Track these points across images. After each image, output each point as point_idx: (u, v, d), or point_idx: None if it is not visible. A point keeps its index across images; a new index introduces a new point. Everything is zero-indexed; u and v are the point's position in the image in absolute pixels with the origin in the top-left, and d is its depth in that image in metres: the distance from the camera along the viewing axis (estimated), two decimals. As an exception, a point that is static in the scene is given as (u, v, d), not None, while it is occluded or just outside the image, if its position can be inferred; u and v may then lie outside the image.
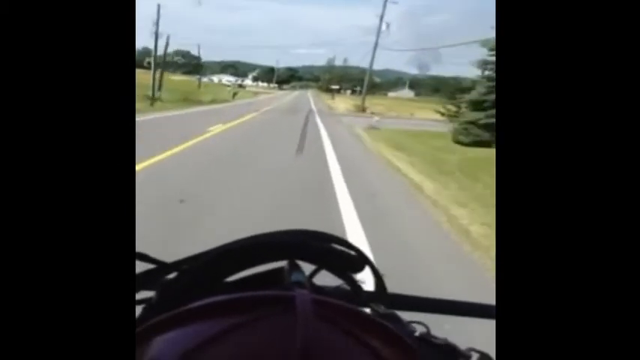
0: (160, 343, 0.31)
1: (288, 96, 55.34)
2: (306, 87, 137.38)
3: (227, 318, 0.31)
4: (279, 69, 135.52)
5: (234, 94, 41.41)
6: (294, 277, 0.44)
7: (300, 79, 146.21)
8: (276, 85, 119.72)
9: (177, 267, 0.46)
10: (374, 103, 39.61)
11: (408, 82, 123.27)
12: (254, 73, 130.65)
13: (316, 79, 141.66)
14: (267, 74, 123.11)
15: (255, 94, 56.96)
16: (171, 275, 0.46)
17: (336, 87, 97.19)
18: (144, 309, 0.43)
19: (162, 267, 0.47)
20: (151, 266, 0.47)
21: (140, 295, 0.45)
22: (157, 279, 0.46)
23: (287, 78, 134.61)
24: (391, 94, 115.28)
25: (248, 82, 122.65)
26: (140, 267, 0.45)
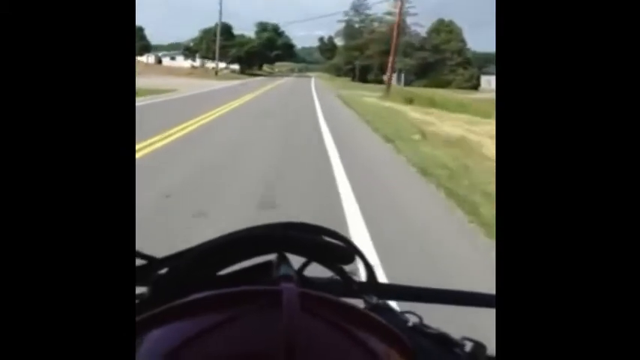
0: (147, 340, 0.33)
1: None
2: (305, 70, 71.20)
3: (214, 314, 0.33)
4: (226, 31, 58.97)
5: None
6: (282, 270, 0.46)
7: (290, 53, 77.86)
8: (211, 66, 51.66)
9: (168, 262, 0.50)
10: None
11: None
12: (189, 42, 64.51)
13: (329, 54, 73.88)
14: (211, 42, 54.35)
15: None
16: (163, 271, 0.48)
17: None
18: (137, 305, 0.45)
19: (153, 262, 0.50)
20: (142, 262, 0.50)
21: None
22: (149, 275, 0.49)
23: (258, 50, 65.62)
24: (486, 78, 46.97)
25: (166, 60, 57.22)
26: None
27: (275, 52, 71.01)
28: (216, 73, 43.64)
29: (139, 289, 0.47)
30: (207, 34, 57.42)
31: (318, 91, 26.30)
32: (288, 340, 0.29)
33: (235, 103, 14.36)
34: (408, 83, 47.96)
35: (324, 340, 0.32)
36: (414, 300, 0.59)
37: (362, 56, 54.33)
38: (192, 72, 42.55)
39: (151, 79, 26.53)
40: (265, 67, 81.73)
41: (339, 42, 67.65)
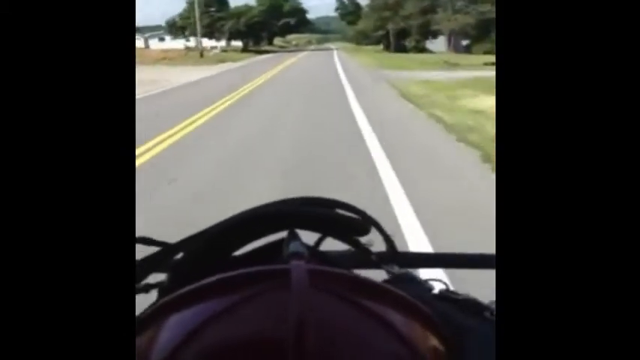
0: (164, 326, 0.34)
1: None
2: (324, 41, 60.26)
3: (225, 297, 0.33)
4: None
5: None
6: (292, 247, 0.46)
7: (304, 21, 65.44)
8: (209, 45, 41.10)
9: (183, 247, 0.50)
10: None
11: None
12: (175, 18, 53.16)
13: (351, 18, 61.80)
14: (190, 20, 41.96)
15: None
16: (179, 256, 0.49)
17: None
18: (158, 292, 0.47)
19: (167, 248, 0.51)
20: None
21: (151, 279, 0.50)
22: (165, 261, 0.50)
23: (261, 21, 52.80)
24: None
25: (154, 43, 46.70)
26: (146, 251, 0.50)
27: (283, 21, 58.09)
28: (201, 54, 32.03)
29: (159, 277, 0.49)
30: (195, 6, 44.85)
31: (350, 79, 15.02)
32: (297, 318, 0.30)
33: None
34: (462, 49, 35.52)
35: (336, 315, 0.32)
36: (437, 266, 0.60)
37: (396, 17, 41.84)
38: (165, 56, 30.88)
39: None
40: (277, 41, 69.27)
41: (363, 1, 54.94)
